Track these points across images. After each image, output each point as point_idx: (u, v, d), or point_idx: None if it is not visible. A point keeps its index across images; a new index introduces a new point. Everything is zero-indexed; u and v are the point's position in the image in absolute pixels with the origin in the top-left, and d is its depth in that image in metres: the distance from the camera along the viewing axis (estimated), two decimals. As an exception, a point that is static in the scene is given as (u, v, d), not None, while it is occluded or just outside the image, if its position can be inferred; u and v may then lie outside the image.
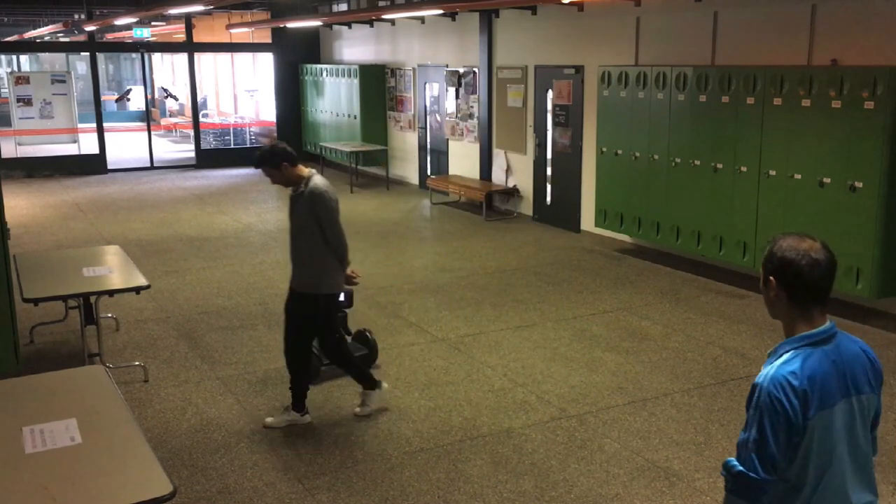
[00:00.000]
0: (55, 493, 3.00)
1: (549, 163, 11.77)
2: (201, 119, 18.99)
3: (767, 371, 2.37)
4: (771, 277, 2.42)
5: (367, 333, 6.44)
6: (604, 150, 9.87)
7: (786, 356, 2.38)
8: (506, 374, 6.28)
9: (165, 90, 26.02)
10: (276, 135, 18.78)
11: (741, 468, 2.34)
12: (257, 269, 9.43)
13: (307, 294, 5.25)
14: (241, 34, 19.71)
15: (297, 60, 18.22)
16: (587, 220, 10.89)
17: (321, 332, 5.41)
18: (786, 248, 2.39)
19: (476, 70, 13.01)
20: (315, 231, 5.15)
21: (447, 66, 13.79)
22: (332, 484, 4.69)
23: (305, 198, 5.15)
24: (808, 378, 2.32)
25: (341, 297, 6.07)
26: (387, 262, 9.72)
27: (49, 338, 7.17)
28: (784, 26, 8.14)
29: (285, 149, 5.23)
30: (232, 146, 20.11)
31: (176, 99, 25.52)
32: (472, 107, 13.28)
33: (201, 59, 23.65)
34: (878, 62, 7.20)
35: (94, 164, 17.05)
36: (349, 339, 6.24)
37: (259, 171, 5.24)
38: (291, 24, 16.00)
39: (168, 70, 29.18)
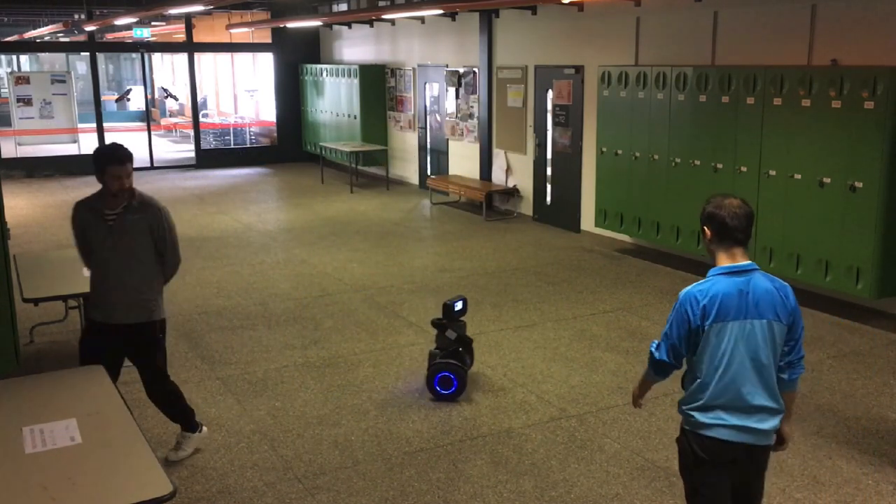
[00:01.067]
0: (55, 493, 3.00)
1: (549, 163, 11.77)
2: (201, 119, 18.99)
3: (689, 287, 3.18)
4: (704, 227, 3.20)
5: (468, 340, 6.12)
6: (604, 150, 9.87)
7: (706, 279, 3.17)
8: (506, 374, 6.28)
9: (165, 90, 26.02)
10: (276, 135, 18.82)
11: (654, 350, 3.30)
12: (257, 269, 9.43)
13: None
14: (241, 34, 19.71)
15: (297, 60, 18.22)
16: (587, 220, 10.89)
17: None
18: (713, 204, 3.18)
19: (476, 70, 13.01)
20: None
21: (447, 66, 13.79)
22: (332, 484, 4.69)
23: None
24: (711, 297, 3.10)
25: (459, 305, 5.97)
26: (387, 262, 9.72)
27: (49, 338, 7.17)
28: (784, 26, 8.14)
29: None
30: (232, 146, 20.11)
31: (176, 99, 25.51)
32: (472, 107, 13.28)
33: (201, 59, 23.65)
34: (878, 62, 7.20)
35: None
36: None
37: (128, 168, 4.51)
38: (291, 24, 16.00)
39: (168, 70, 29.18)
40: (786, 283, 3.18)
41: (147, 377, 4.79)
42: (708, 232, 3.18)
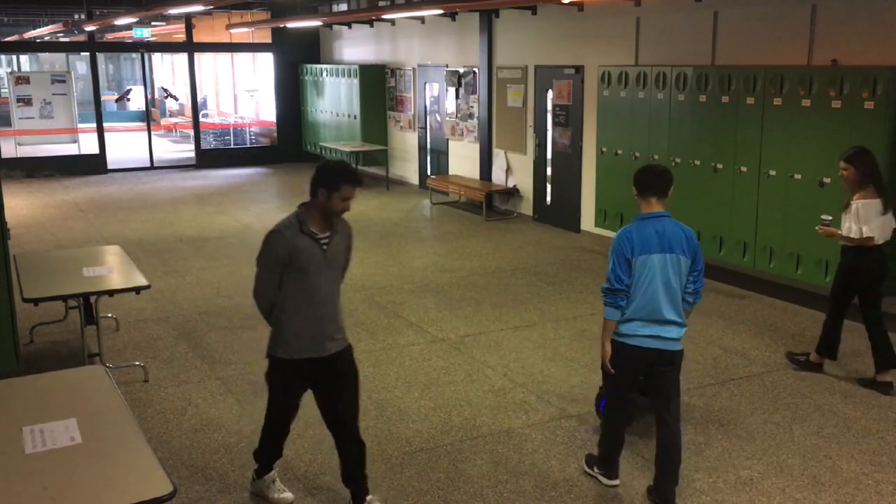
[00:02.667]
0: (55, 493, 3.00)
1: (549, 163, 11.77)
2: (201, 119, 18.98)
3: (619, 231, 4.25)
4: (633, 187, 4.33)
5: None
6: (604, 150, 9.87)
7: (631, 224, 4.26)
8: (506, 374, 6.28)
9: (165, 90, 26.01)
10: (276, 135, 18.81)
11: (607, 287, 4.22)
12: (257, 269, 9.42)
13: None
14: (241, 34, 19.71)
15: (297, 60, 18.21)
16: (587, 220, 10.89)
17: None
18: (638, 171, 4.35)
19: (476, 70, 13.01)
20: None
21: (447, 66, 13.79)
22: (332, 484, 4.68)
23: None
24: (637, 235, 4.18)
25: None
26: (387, 262, 9.72)
27: (49, 338, 7.17)
28: (784, 26, 8.14)
29: None
30: (232, 146, 20.10)
31: (176, 99, 25.51)
32: (472, 107, 13.28)
33: (201, 59, 23.64)
34: (878, 62, 7.20)
35: (94, 164, 17.05)
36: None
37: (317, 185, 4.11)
38: (291, 24, 16.00)
39: (168, 70, 29.17)
40: (690, 228, 4.30)
41: (349, 412, 4.31)
42: (634, 189, 4.33)
